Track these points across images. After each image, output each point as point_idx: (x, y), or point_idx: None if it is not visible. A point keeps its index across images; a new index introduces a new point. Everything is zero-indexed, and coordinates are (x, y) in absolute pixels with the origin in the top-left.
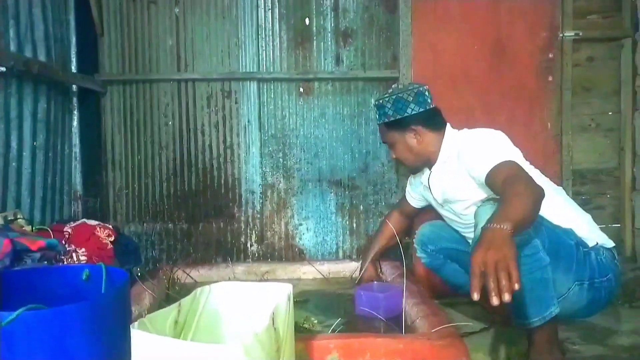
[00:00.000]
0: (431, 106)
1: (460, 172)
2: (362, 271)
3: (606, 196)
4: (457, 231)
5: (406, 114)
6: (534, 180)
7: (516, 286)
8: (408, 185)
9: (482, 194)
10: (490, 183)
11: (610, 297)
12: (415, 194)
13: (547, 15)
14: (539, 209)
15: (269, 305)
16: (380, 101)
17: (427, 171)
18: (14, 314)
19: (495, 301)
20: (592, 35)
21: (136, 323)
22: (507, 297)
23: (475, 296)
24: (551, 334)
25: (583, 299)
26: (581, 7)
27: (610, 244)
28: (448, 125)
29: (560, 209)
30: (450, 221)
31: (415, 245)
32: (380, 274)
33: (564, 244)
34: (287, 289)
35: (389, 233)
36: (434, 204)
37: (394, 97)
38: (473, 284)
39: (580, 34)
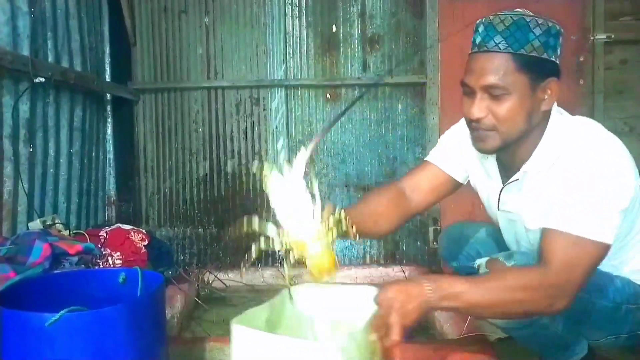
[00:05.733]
0: None
1: (545, 190)
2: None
3: None
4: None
5: (553, 58)
6: (578, 285)
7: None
8: (447, 139)
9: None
10: (542, 237)
11: None
12: (455, 160)
13: (577, 17)
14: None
15: (355, 308)
16: (523, 18)
17: (493, 166)
18: (57, 315)
19: None
20: (625, 38)
21: (234, 319)
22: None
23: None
24: None
25: (619, 345)
26: (613, 9)
27: None
28: (554, 105)
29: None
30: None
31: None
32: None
33: (596, 306)
34: (374, 292)
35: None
36: (487, 206)
37: (549, 24)
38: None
39: (612, 36)
